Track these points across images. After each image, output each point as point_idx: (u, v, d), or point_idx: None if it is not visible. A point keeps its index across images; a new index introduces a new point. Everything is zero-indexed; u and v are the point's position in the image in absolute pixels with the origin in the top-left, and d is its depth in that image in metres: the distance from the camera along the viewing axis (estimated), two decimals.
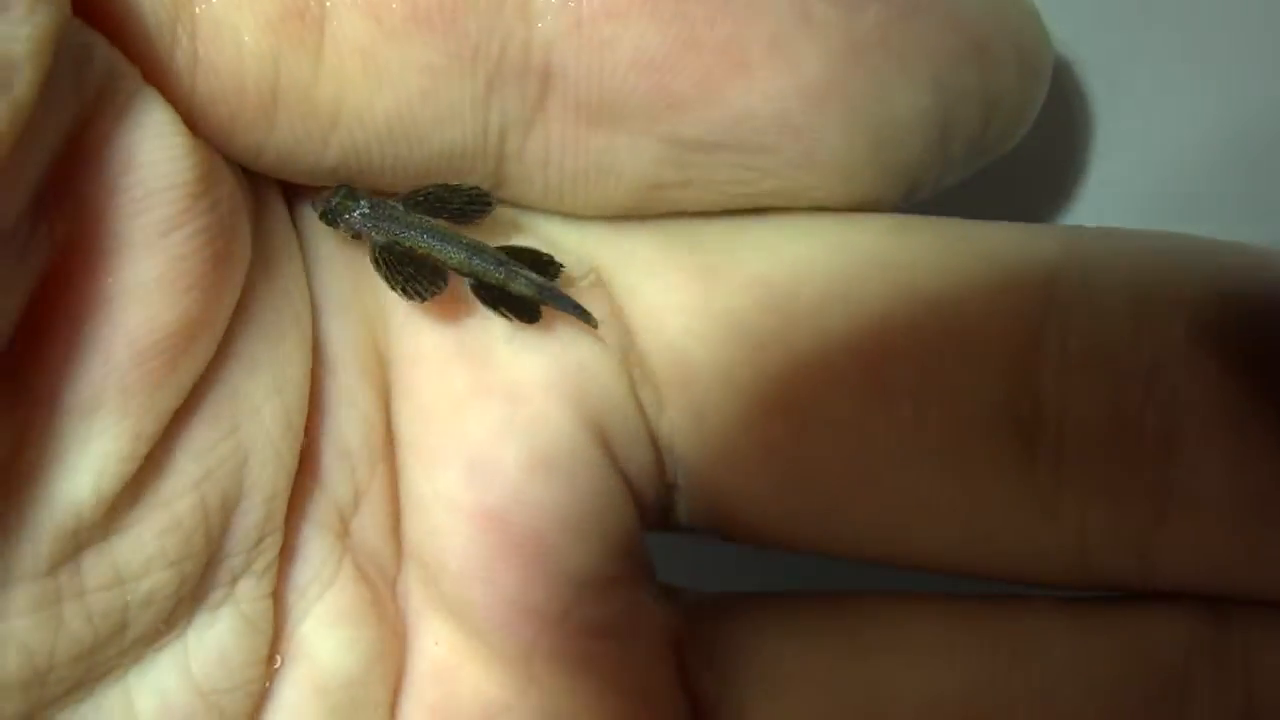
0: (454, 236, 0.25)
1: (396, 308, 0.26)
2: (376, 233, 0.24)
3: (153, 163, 0.21)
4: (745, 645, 0.27)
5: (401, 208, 0.25)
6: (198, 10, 0.22)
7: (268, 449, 0.23)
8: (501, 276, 0.25)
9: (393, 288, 0.24)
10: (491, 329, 0.25)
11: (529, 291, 0.25)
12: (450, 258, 0.25)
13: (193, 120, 0.22)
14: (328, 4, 0.22)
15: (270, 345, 0.24)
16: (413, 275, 0.24)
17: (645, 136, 0.24)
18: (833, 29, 0.23)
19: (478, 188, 0.24)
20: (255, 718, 0.24)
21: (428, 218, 0.25)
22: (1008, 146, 0.26)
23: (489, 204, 0.24)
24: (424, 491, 0.25)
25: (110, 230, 0.21)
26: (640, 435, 0.26)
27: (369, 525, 0.25)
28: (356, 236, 0.25)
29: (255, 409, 0.23)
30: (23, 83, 0.19)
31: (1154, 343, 0.24)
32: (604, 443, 0.26)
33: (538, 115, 0.23)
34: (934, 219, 0.26)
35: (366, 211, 0.24)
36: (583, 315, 0.25)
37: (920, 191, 0.26)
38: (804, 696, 0.26)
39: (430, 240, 0.25)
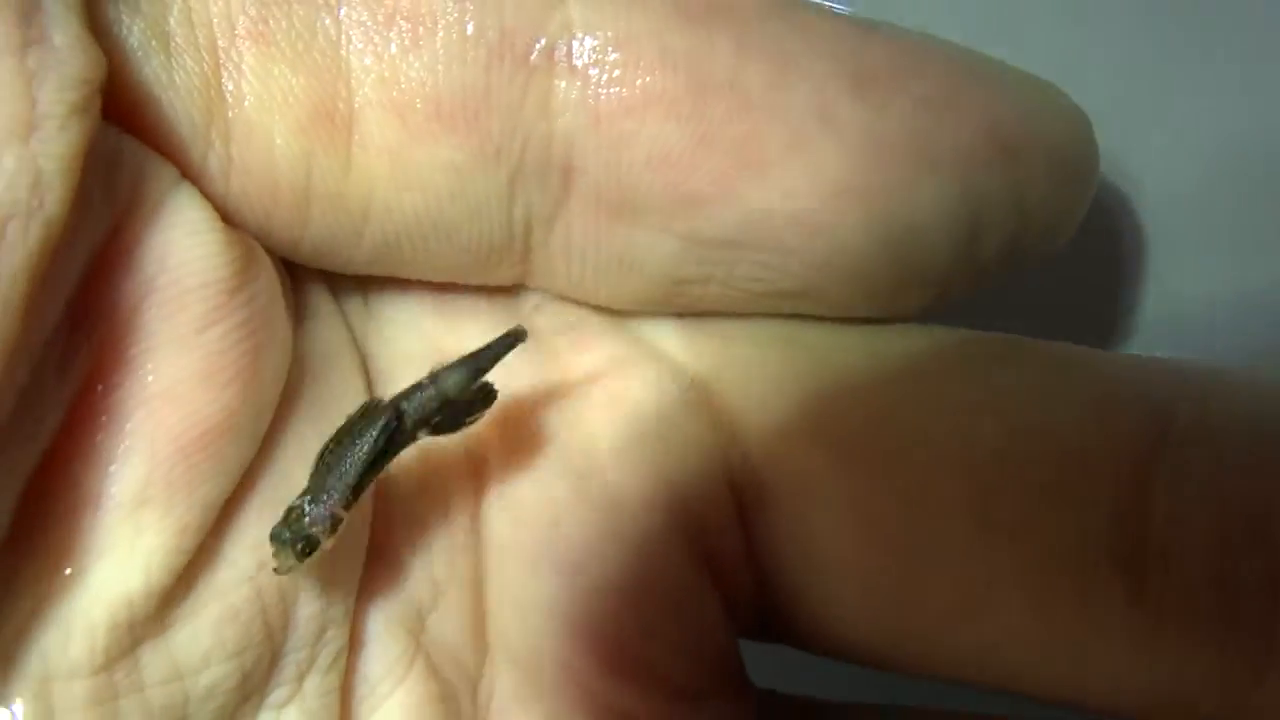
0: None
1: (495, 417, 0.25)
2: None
3: (186, 261, 0.22)
4: None
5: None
6: (230, 114, 0.22)
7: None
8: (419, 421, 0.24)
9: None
10: (596, 434, 0.25)
11: (461, 393, 0.24)
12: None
13: (228, 216, 0.23)
14: (355, 106, 0.22)
15: (322, 430, 0.24)
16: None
17: (665, 232, 0.24)
18: (854, 128, 0.23)
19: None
20: None
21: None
22: (1050, 253, 0.25)
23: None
24: (520, 597, 0.25)
25: (147, 330, 0.22)
26: (740, 550, 0.26)
27: (448, 621, 0.25)
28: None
29: None
30: (54, 200, 0.19)
31: (1270, 489, 0.23)
32: (704, 559, 0.25)
33: (560, 209, 0.23)
34: (1043, 343, 0.26)
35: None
36: (507, 342, 0.24)
37: (951, 296, 0.25)
38: None
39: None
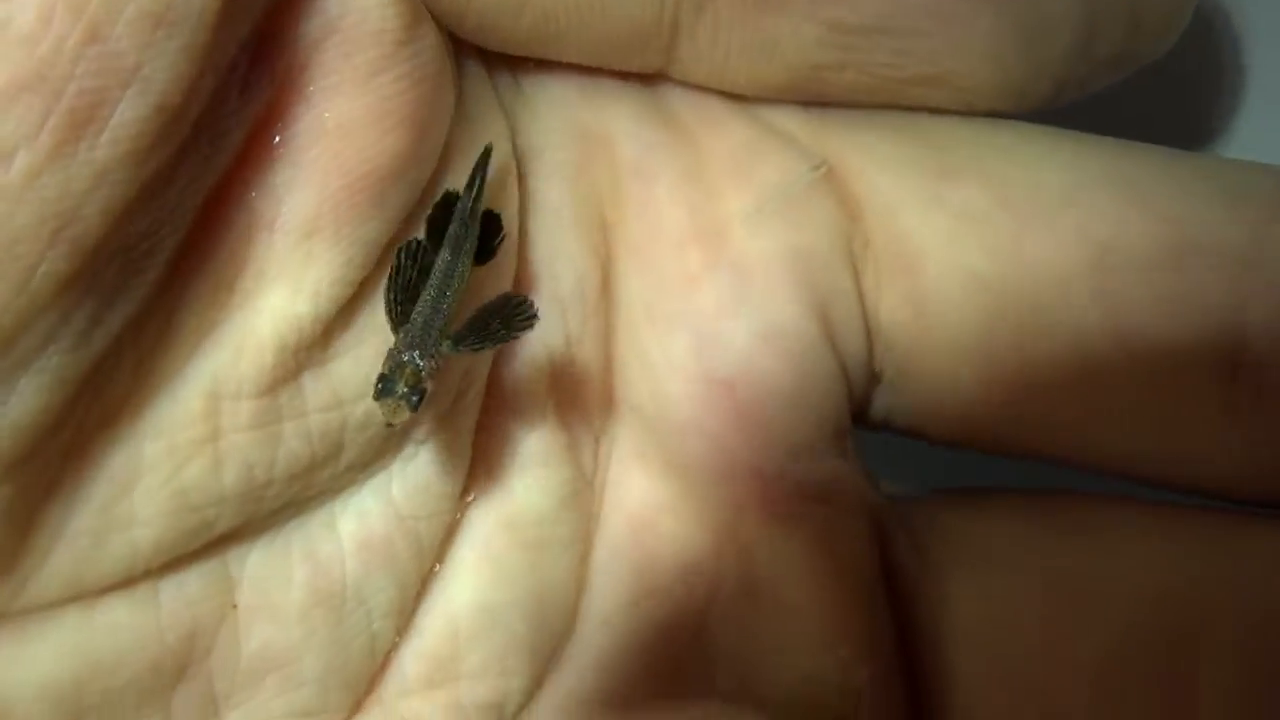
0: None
1: (633, 190, 0.27)
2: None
3: (364, 9, 0.22)
4: (951, 530, 0.28)
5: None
6: None
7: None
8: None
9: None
10: (728, 209, 0.27)
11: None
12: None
13: None
14: None
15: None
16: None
17: (808, 20, 0.24)
18: None
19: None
20: (447, 545, 0.25)
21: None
22: (1154, 55, 0.26)
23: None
24: (652, 356, 0.27)
25: (326, 68, 0.22)
26: (858, 321, 0.27)
27: (577, 374, 0.26)
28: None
29: None
30: None
31: None
32: (825, 324, 0.27)
33: None
34: (1161, 148, 0.27)
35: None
36: (482, 161, 0.24)
37: (1066, 93, 0.26)
38: (1012, 581, 0.27)
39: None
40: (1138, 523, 0.27)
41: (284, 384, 0.23)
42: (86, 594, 0.22)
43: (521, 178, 0.26)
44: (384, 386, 0.22)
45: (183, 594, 0.22)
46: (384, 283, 0.23)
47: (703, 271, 0.27)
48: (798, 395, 0.27)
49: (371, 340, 0.23)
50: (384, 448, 0.24)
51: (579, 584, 0.26)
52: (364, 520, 0.24)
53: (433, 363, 0.22)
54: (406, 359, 0.22)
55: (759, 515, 0.26)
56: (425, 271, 0.23)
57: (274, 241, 0.22)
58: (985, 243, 0.26)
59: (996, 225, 0.26)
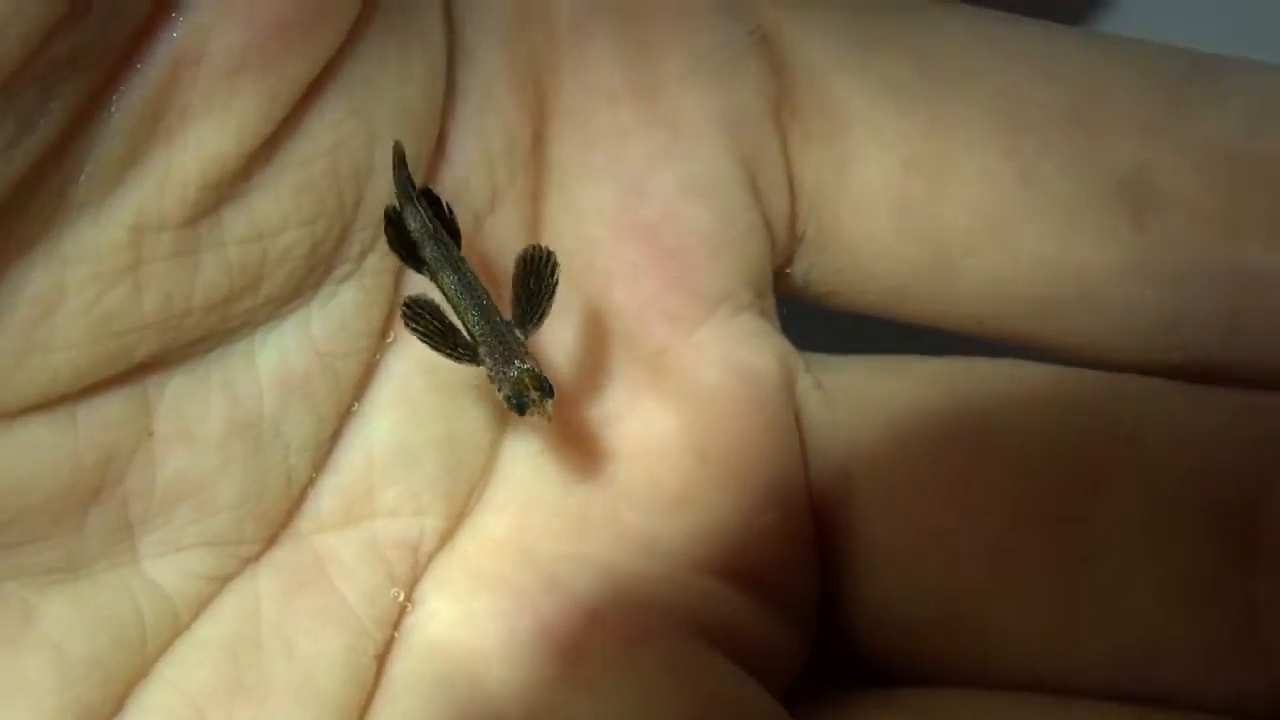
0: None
1: (569, 48, 0.27)
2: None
3: None
4: (860, 386, 0.29)
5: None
6: None
7: (400, 132, 0.25)
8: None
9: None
10: (663, 68, 0.27)
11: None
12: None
13: None
14: None
15: (401, 43, 0.25)
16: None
17: None
18: None
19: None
20: (365, 384, 0.26)
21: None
22: None
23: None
24: (580, 205, 0.27)
25: None
26: (782, 179, 0.28)
27: (503, 226, 0.27)
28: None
29: (388, 97, 0.24)
30: None
31: None
32: (750, 180, 0.27)
33: None
34: (1078, 28, 0.29)
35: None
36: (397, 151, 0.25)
37: None
38: (917, 438, 0.28)
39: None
40: (1034, 381, 0.28)
41: (205, 216, 0.23)
42: (4, 414, 0.22)
43: (455, 29, 0.26)
44: (519, 403, 0.24)
45: (100, 418, 0.23)
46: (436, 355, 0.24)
47: (634, 125, 0.27)
48: (720, 245, 0.27)
49: (291, 177, 0.23)
50: (303, 284, 0.24)
51: (496, 428, 0.27)
52: (283, 355, 0.24)
53: (533, 359, 0.24)
54: (515, 374, 0.24)
55: (678, 360, 0.27)
56: (432, 314, 0.24)
57: (200, 78, 0.22)
58: (904, 107, 0.27)
59: (916, 92, 0.27)
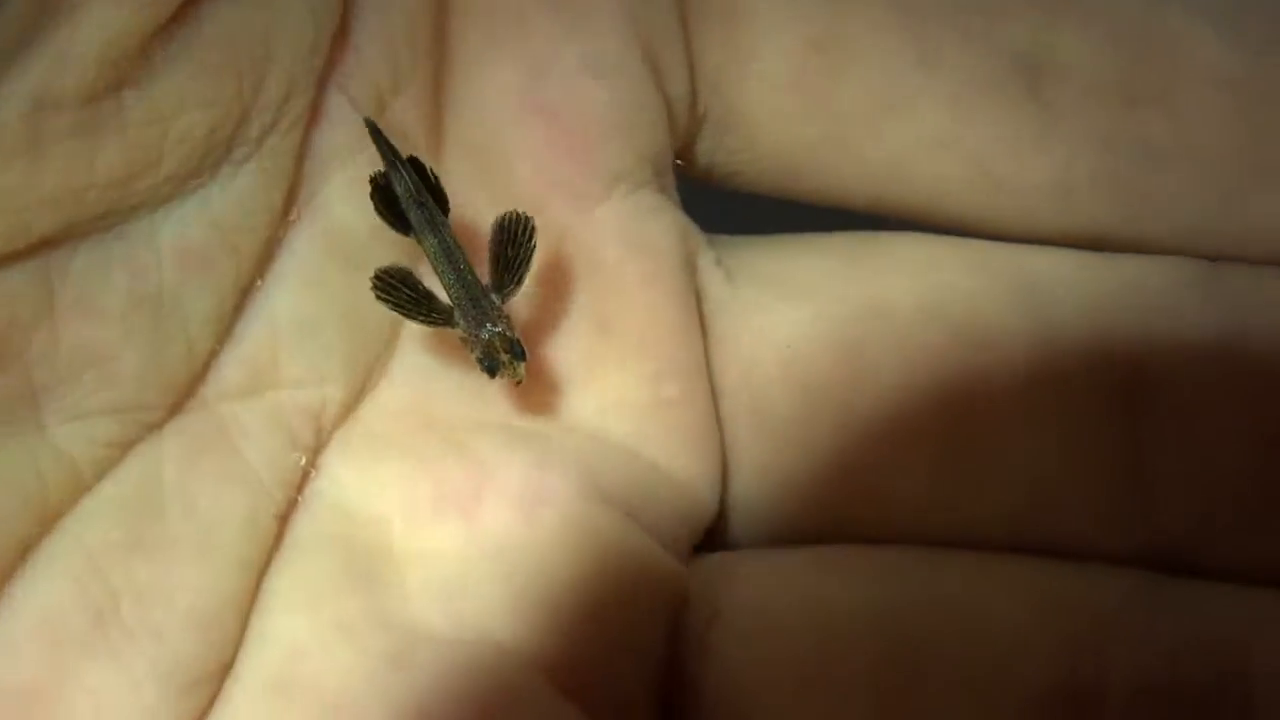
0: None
1: None
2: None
3: None
4: (759, 264, 0.30)
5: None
6: None
7: (299, 15, 0.25)
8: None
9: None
10: None
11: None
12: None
13: None
14: None
15: None
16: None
17: None
18: None
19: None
20: (267, 260, 0.27)
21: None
22: None
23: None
24: (482, 86, 0.28)
25: None
26: (683, 59, 0.29)
27: (408, 111, 0.28)
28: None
29: None
30: None
31: None
32: (651, 60, 0.28)
33: None
34: None
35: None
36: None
37: None
38: (813, 308, 0.29)
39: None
40: (932, 252, 0.29)
41: (105, 95, 0.23)
42: None
43: None
44: (490, 364, 0.26)
45: (2, 289, 0.23)
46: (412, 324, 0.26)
47: (535, 7, 0.28)
48: (620, 124, 0.28)
49: (190, 59, 0.24)
50: (203, 165, 0.25)
51: None
52: (184, 232, 0.25)
53: (506, 321, 0.26)
54: (487, 335, 0.26)
55: (579, 236, 0.28)
56: (404, 282, 0.26)
57: None
58: None
59: None
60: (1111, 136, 0.28)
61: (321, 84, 0.26)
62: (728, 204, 0.31)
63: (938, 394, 0.28)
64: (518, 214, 0.26)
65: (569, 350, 0.28)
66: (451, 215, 0.27)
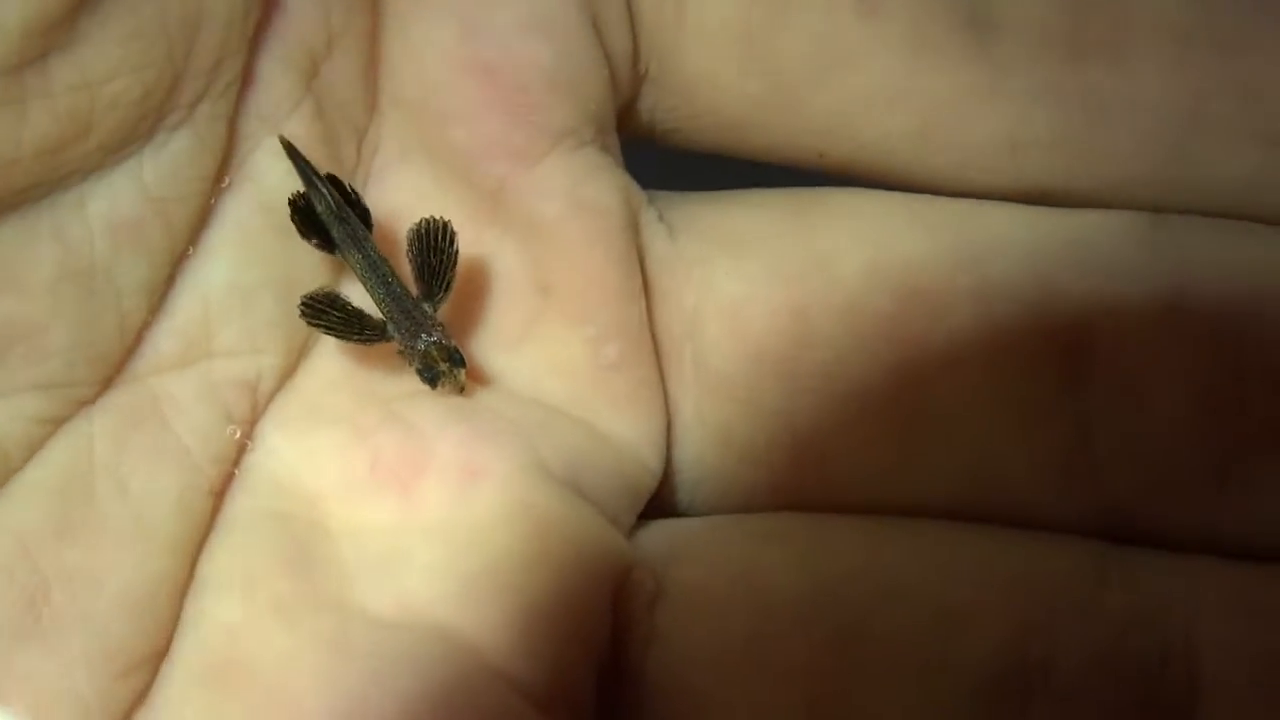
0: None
1: None
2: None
3: None
4: (701, 219, 0.30)
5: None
6: None
7: None
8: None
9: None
10: None
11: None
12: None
13: None
14: None
15: None
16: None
17: None
18: None
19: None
20: (199, 228, 0.26)
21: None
22: None
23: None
24: (417, 44, 0.27)
25: None
26: (623, 14, 0.28)
27: (340, 72, 0.27)
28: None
29: None
30: None
31: None
32: (590, 15, 0.27)
33: None
34: None
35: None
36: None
37: None
38: (756, 262, 0.29)
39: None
40: (875, 208, 0.29)
41: (30, 64, 0.23)
42: None
43: None
44: (430, 375, 0.26)
45: None
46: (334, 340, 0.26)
47: None
48: (560, 81, 0.27)
49: (118, 24, 0.23)
50: (134, 132, 0.24)
51: (335, 269, 0.27)
52: (114, 201, 0.25)
53: (441, 329, 0.26)
54: (423, 346, 0.26)
55: (518, 195, 0.28)
56: (331, 305, 0.26)
57: None
58: None
59: None
60: (1060, 90, 0.28)
61: (253, 46, 0.26)
62: (666, 160, 0.30)
63: (883, 358, 0.28)
64: (434, 220, 0.26)
65: (508, 313, 0.28)
66: (375, 229, 0.27)
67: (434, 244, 0.26)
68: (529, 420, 0.27)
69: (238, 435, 0.26)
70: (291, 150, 0.26)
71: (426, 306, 0.26)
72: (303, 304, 0.26)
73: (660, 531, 0.29)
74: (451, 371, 0.26)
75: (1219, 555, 0.27)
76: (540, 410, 0.28)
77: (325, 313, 0.26)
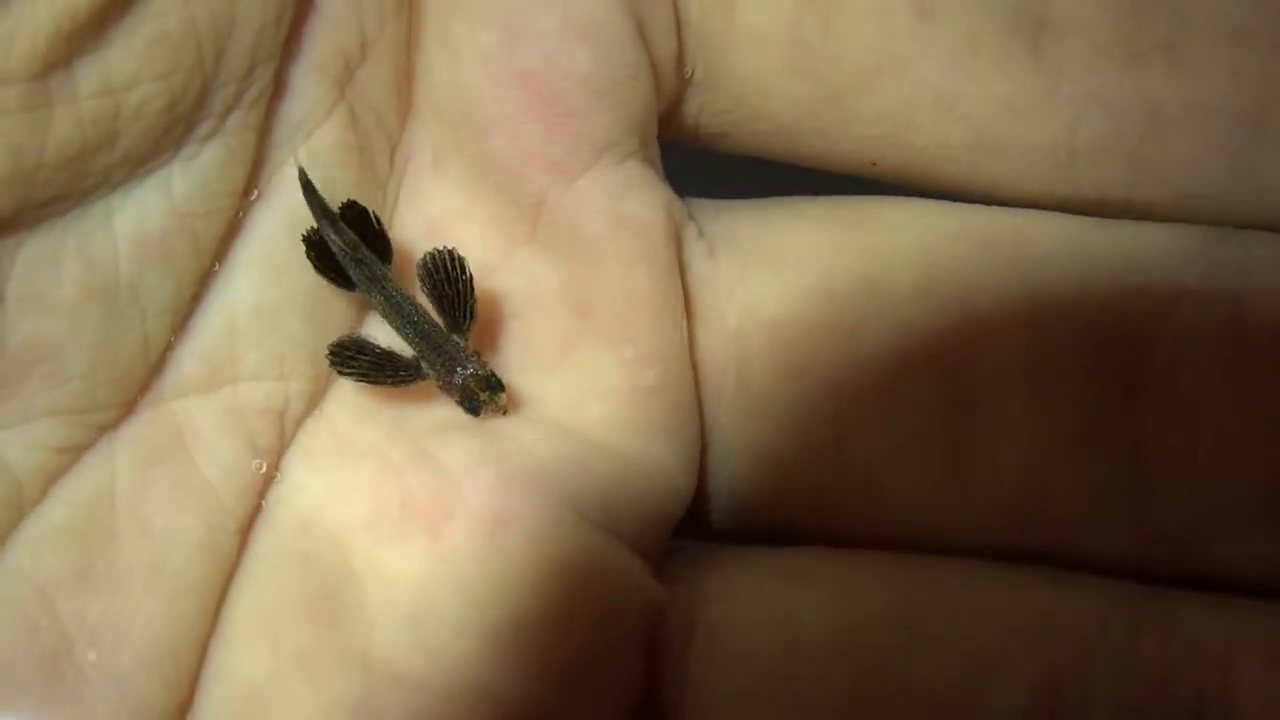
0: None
1: None
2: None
3: None
4: (741, 234, 0.28)
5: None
6: None
7: None
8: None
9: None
10: None
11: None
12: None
13: None
14: None
15: None
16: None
17: None
18: None
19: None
20: (226, 244, 0.25)
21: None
22: None
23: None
24: (459, 51, 0.26)
25: None
26: (669, 17, 0.27)
27: (375, 78, 0.26)
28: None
29: None
30: None
31: None
32: (635, 18, 0.26)
33: None
34: None
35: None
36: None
37: None
38: (798, 278, 0.28)
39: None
40: (924, 219, 0.28)
41: (56, 69, 0.22)
42: None
43: None
44: (471, 406, 0.25)
45: None
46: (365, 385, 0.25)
47: None
48: (603, 90, 0.26)
49: (146, 28, 0.22)
50: (163, 142, 0.23)
51: None
52: (141, 216, 0.23)
53: (476, 359, 0.25)
54: (460, 380, 0.25)
55: (558, 211, 0.26)
56: (360, 350, 0.25)
57: None
58: None
59: None
60: (1115, 96, 0.26)
61: (286, 51, 0.25)
62: (705, 162, 0.29)
63: (931, 381, 0.27)
64: (439, 251, 0.25)
65: (546, 333, 0.27)
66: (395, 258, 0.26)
67: (446, 274, 0.25)
68: (562, 457, 0.26)
69: (263, 469, 0.25)
70: (307, 186, 0.25)
71: (456, 338, 0.25)
72: (331, 353, 0.25)
73: (691, 560, 0.28)
74: (493, 399, 0.25)
75: (1272, 591, 0.26)
76: (574, 444, 0.26)
77: (355, 359, 0.25)
